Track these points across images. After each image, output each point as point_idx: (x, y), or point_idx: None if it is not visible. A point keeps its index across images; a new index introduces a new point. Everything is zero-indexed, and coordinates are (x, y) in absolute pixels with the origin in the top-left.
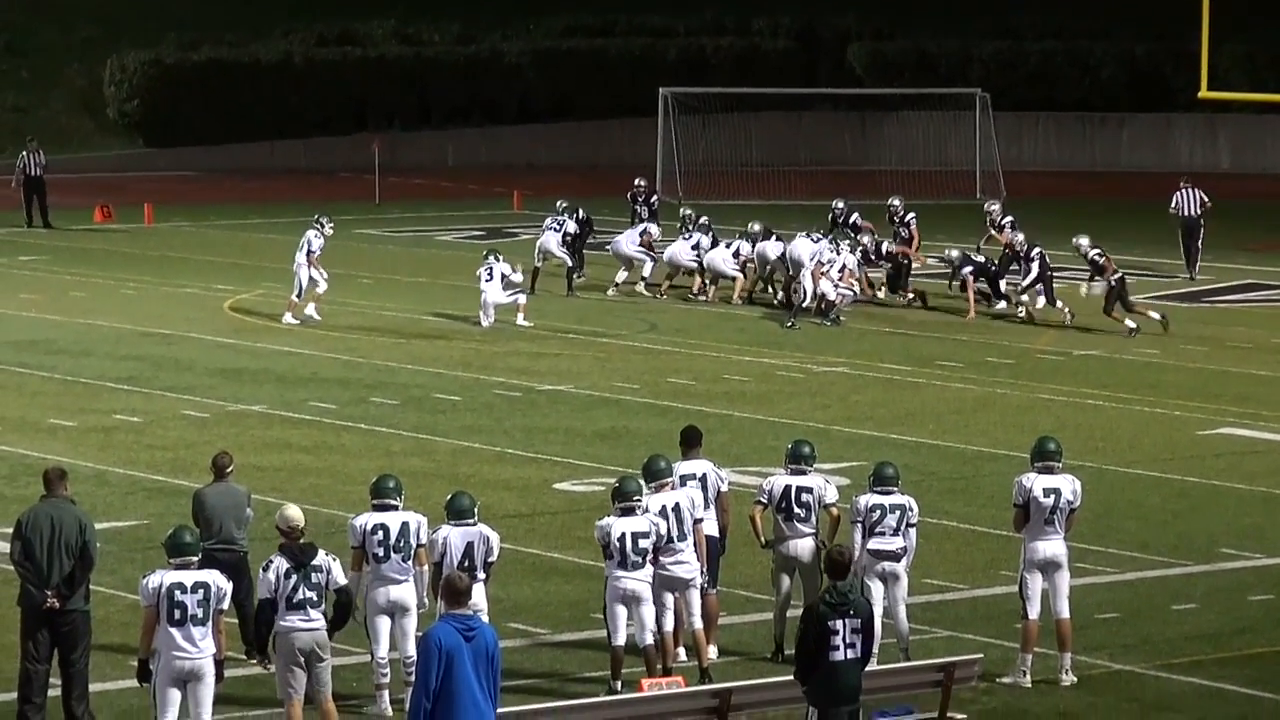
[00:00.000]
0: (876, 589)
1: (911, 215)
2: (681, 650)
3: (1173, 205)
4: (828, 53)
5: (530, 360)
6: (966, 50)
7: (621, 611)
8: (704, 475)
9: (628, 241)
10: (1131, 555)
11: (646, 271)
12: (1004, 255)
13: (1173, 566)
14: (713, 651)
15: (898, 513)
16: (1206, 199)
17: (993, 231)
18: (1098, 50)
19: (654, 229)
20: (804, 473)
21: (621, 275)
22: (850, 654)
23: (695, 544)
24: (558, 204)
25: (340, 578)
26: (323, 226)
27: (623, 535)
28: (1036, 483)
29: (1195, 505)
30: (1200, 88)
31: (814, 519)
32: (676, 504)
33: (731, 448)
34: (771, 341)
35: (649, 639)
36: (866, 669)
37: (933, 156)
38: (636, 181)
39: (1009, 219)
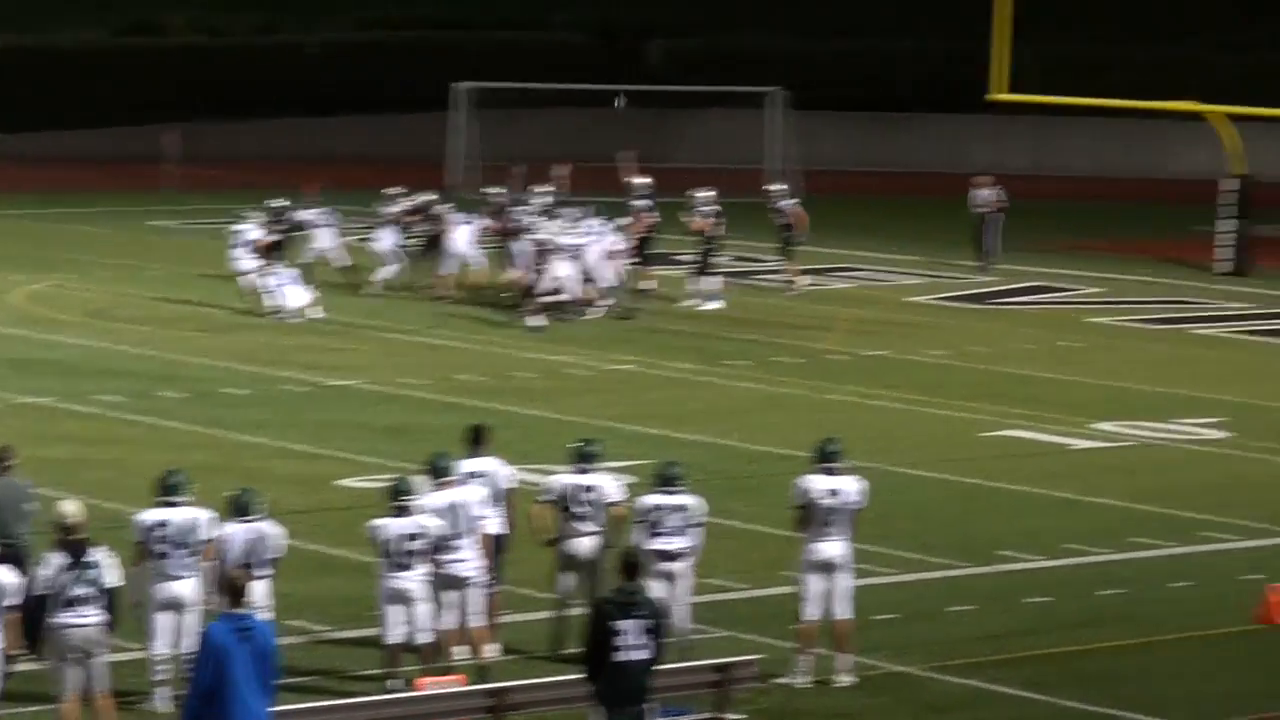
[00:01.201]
0: (658, 588)
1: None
2: (464, 649)
3: (970, 203)
4: (626, 49)
5: (319, 355)
6: (764, 48)
7: (394, 610)
8: (490, 473)
9: (464, 238)
10: (912, 556)
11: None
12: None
13: (953, 568)
14: (495, 649)
15: (681, 513)
16: (1002, 198)
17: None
18: (895, 50)
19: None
20: (589, 471)
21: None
22: (638, 654)
23: (477, 542)
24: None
25: (111, 576)
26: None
27: (394, 535)
28: (817, 484)
29: (977, 507)
30: (994, 89)
31: (598, 517)
32: (458, 502)
33: (519, 445)
34: (561, 338)
35: (425, 637)
36: None
37: (732, 154)
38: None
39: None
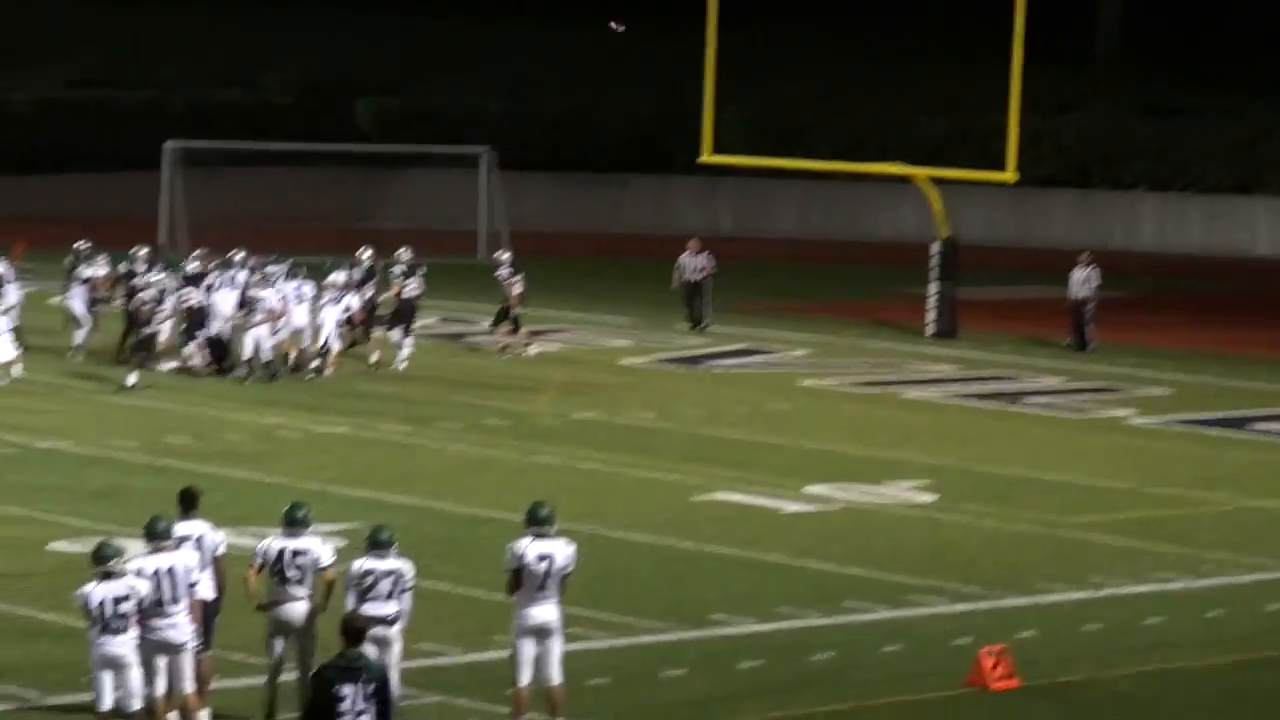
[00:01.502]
0: (369, 653)
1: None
2: (175, 715)
3: (678, 269)
4: (334, 108)
5: (27, 416)
6: (473, 108)
7: (106, 676)
8: (200, 536)
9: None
10: (624, 620)
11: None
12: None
13: (664, 632)
14: (205, 716)
15: (391, 577)
16: (712, 262)
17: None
18: (602, 111)
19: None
20: (299, 535)
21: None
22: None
23: (189, 607)
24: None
25: None
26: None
27: (102, 600)
28: (529, 548)
29: (688, 570)
30: (702, 151)
31: (309, 582)
32: (171, 566)
33: (228, 508)
34: (271, 400)
35: (136, 704)
36: None
37: (439, 214)
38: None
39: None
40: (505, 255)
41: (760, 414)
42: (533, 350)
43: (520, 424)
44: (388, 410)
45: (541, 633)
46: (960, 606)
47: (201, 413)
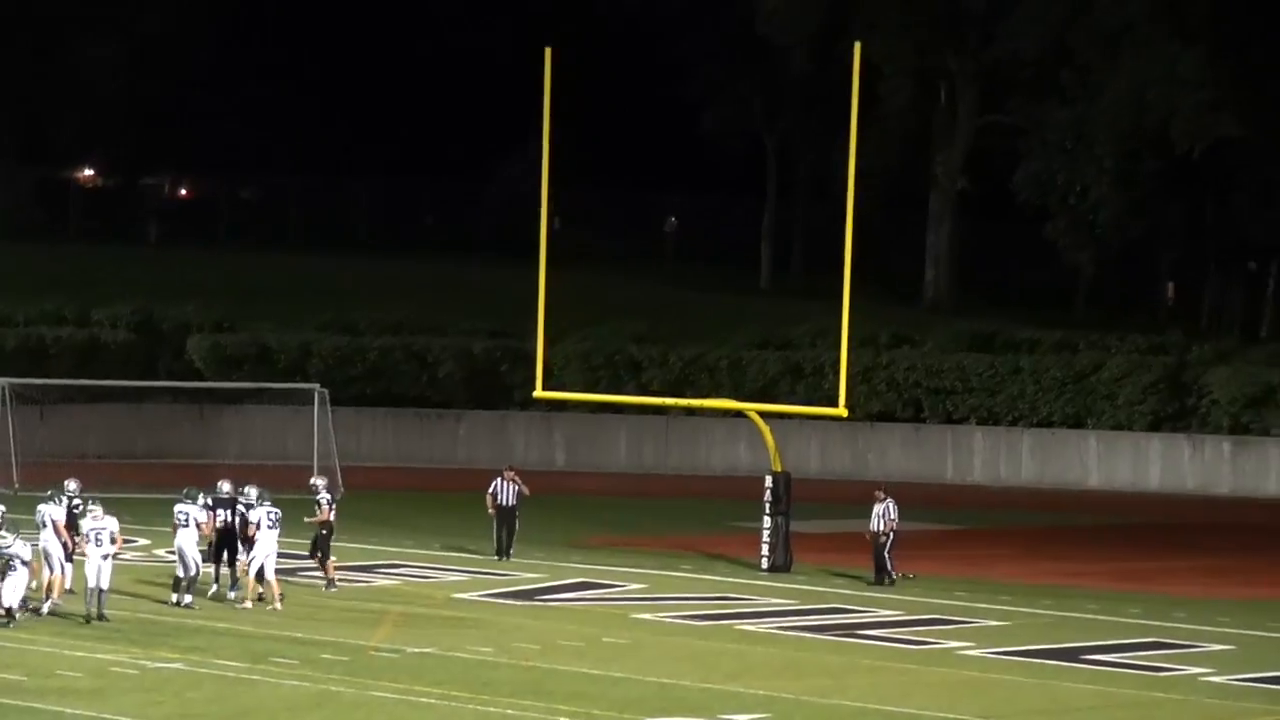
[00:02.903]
0: None
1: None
2: None
3: (490, 491)
4: (168, 344)
5: None
6: (306, 344)
7: None
8: None
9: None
10: None
11: None
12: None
13: None
14: None
15: None
16: (524, 490)
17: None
18: (435, 347)
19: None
20: None
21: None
22: None
23: None
24: None
25: None
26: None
27: None
28: None
29: None
30: (536, 387)
31: None
32: None
33: None
34: (104, 636)
35: None
36: None
37: (273, 449)
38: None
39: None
40: (321, 481)
41: (597, 647)
42: (335, 585)
43: (356, 659)
44: (222, 645)
45: None
46: None
47: (34, 648)
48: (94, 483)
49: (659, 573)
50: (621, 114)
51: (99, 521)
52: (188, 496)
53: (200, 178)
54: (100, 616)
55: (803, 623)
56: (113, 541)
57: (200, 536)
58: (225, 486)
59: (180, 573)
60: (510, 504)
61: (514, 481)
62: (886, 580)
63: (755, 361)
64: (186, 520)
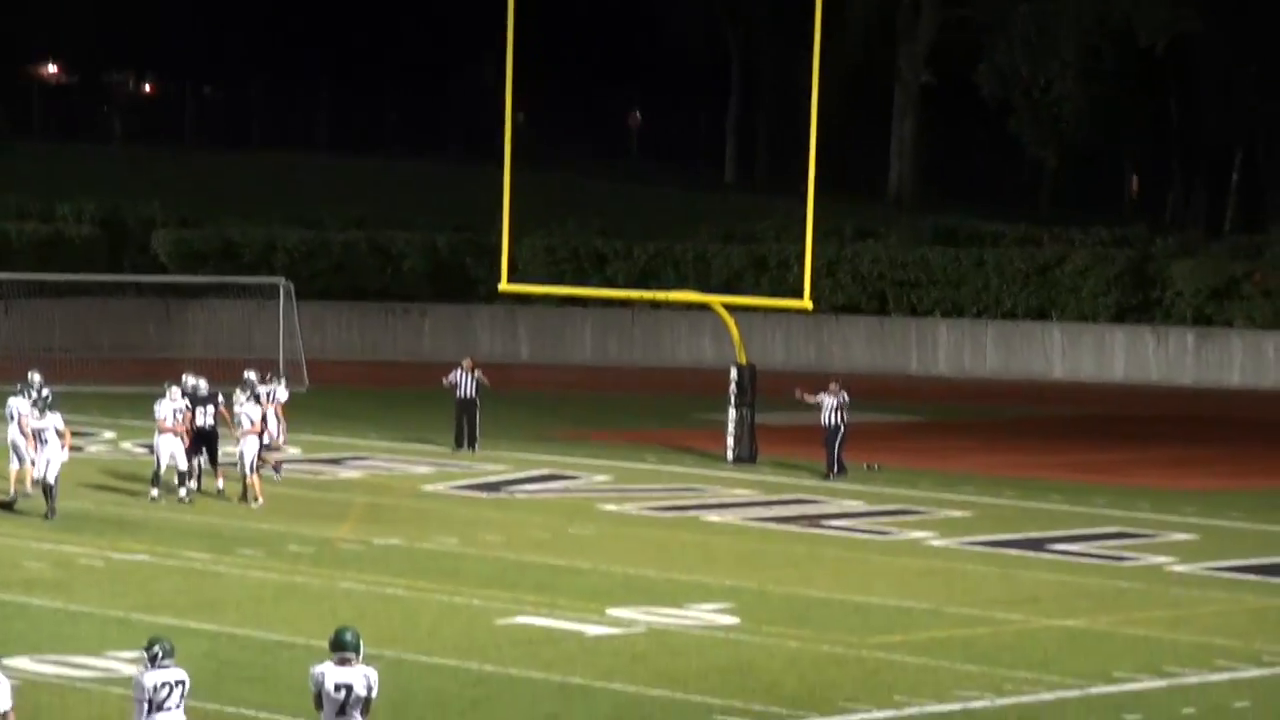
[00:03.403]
0: None
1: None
2: None
3: (449, 380)
4: (133, 239)
5: None
6: (271, 239)
7: None
8: None
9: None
10: None
11: None
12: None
13: None
14: None
15: (181, 686)
16: (484, 380)
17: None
18: (400, 241)
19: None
20: None
21: None
22: None
23: None
24: None
25: None
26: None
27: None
28: (328, 675)
29: (492, 694)
30: (501, 280)
31: None
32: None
33: (29, 636)
34: (70, 527)
35: None
36: None
37: (238, 343)
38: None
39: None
40: (252, 375)
41: (562, 538)
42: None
43: (322, 550)
44: (188, 538)
45: None
46: None
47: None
48: (61, 377)
49: (624, 465)
50: (586, 12)
51: (41, 420)
52: (169, 395)
53: (164, 76)
54: (51, 512)
55: (767, 514)
56: (60, 436)
57: (182, 434)
58: (203, 384)
59: (162, 468)
60: (470, 395)
61: (473, 372)
62: (839, 473)
63: (720, 255)
64: (171, 417)
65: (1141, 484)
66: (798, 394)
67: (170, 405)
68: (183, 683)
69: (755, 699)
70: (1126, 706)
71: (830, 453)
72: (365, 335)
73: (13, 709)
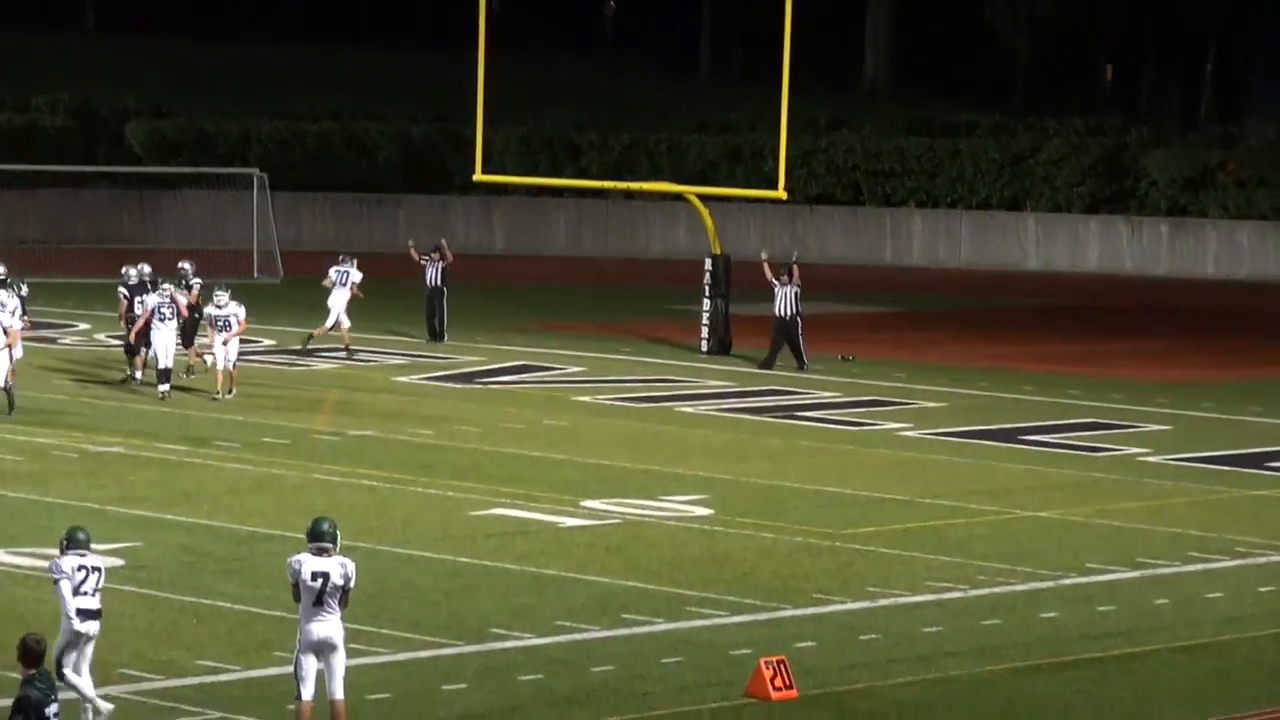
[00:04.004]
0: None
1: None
2: None
3: (426, 275)
4: (106, 130)
5: None
6: (245, 130)
7: None
8: None
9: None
10: (404, 635)
11: None
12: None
13: (444, 647)
14: None
15: (98, 573)
16: (448, 257)
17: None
18: (374, 132)
19: None
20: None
21: None
22: None
23: None
24: None
25: None
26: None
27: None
28: (305, 565)
29: (467, 585)
30: (476, 170)
31: None
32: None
33: (6, 528)
34: (45, 420)
35: None
36: None
37: (212, 235)
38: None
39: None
40: (188, 265)
41: (537, 430)
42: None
43: (298, 442)
44: (164, 428)
45: (323, 648)
46: (739, 618)
47: None
48: (34, 269)
49: (599, 356)
50: None
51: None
52: (160, 290)
53: None
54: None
55: (742, 405)
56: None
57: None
58: (135, 271)
59: (161, 364)
60: (437, 284)
61: (440, 260)
62: (800, 367)
63: (694, 146)
64: (169, 314)
65: (1115, 375)
66: (763, 256)
67: (156, 299)
68: (99, 569)
69: (729, 590)
70: (1100, 598)
71: (791, 344)
72: (340, 227)
73: None
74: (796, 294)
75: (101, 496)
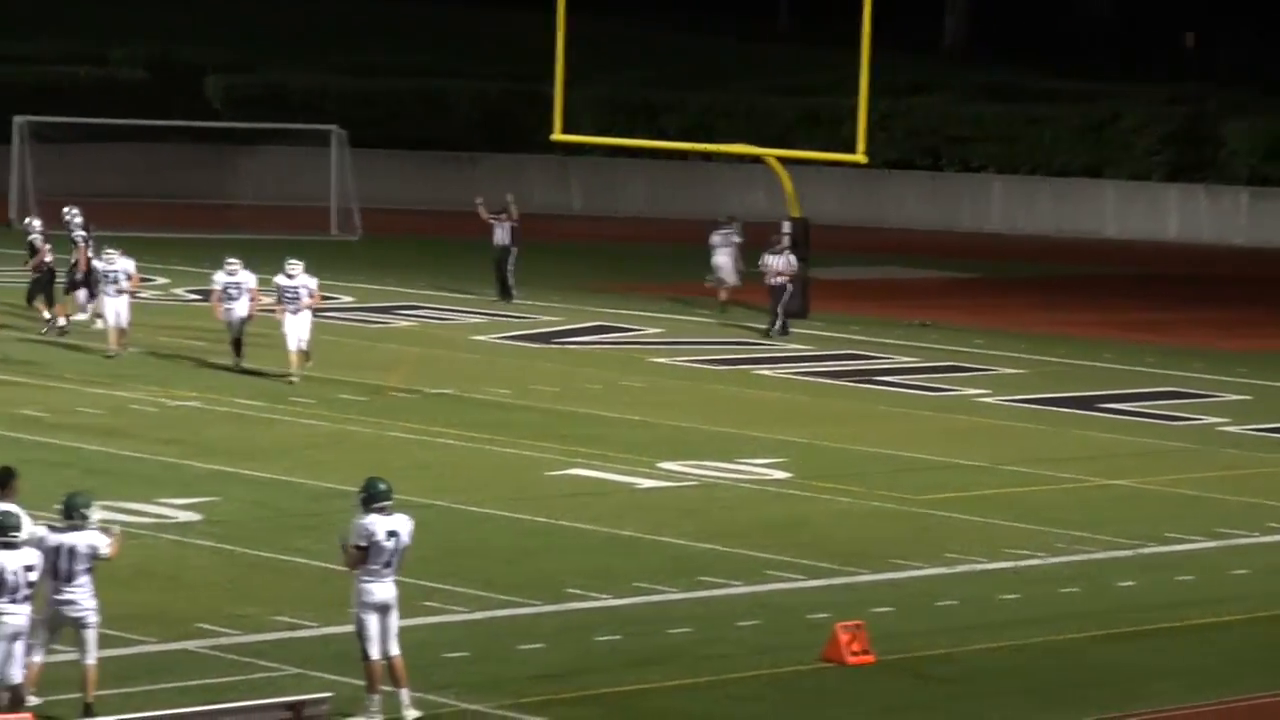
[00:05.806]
0: None
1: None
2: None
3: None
4: (184, 85)
5: None
6: (323, 85)
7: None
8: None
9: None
10: (479, 594)
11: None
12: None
13: (520, 606)
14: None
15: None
16: (514, 218)
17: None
18: (452, 89)
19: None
20: (79, 528)
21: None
22: None
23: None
24: None
25: None
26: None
27: (11, 569)
28: (378, 525)
29: (544, 545)
30: (554, 129)
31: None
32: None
33: (82, 482)
34: (124, 375)
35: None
36: (215, 706)
37: (289, 191)
38: None
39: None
40: (36, 222)
41: (614, 391)
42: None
43: (374, 399)
44: (240, 385)
45: (385, 608)
46: (816, 582)
47: (56, 386)
48: (112, 222)
49: (676, 317)
50: None
51: (113, 264)
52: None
53: None
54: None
55: (819, 369)
56: (128, 279)
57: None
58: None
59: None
60: (505, 243)
61: (507, 220)
62: (780, 329)
63: (773, 107)
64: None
65: (1194, 344)
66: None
67: (224, 278)
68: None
69: (806, 554)
70: (1179, 567)
71: (777, 307)
72: (415, 184)
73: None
74: (790, 260)
75: (178, 451)
